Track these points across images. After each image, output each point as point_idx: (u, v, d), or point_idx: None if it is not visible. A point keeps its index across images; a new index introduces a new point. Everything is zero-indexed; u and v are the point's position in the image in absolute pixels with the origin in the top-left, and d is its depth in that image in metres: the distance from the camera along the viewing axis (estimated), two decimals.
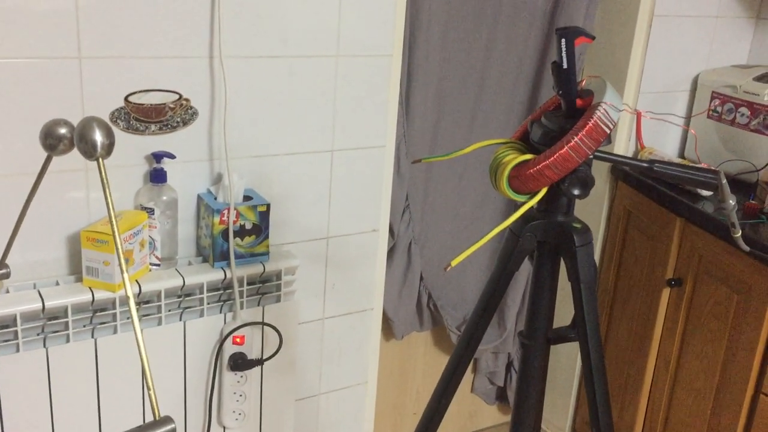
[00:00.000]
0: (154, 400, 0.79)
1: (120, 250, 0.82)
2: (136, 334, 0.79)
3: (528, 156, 1.01)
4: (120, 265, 0.81)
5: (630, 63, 2.01)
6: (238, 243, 1.54)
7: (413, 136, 1.90)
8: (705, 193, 1.83)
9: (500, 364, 2.25)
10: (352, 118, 1.69)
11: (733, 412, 1.71)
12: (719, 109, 2.01)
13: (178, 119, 1.50)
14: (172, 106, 1.48)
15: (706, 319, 1.79)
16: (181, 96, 1.49)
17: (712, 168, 1.01)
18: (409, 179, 1.92)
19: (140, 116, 1.46)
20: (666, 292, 1.91)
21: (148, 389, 0.79)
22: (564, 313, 1.29)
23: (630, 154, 2.09)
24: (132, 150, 1.47)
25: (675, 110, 2.12)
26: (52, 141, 0.85)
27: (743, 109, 1.94)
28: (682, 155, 2.16)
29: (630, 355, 2.05)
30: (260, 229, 1.56)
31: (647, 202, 1.96)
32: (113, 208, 0.82)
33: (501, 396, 2.36)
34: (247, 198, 1.57)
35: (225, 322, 1.55)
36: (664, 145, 2.12)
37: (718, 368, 1.76)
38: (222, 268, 1.53)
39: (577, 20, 1.94)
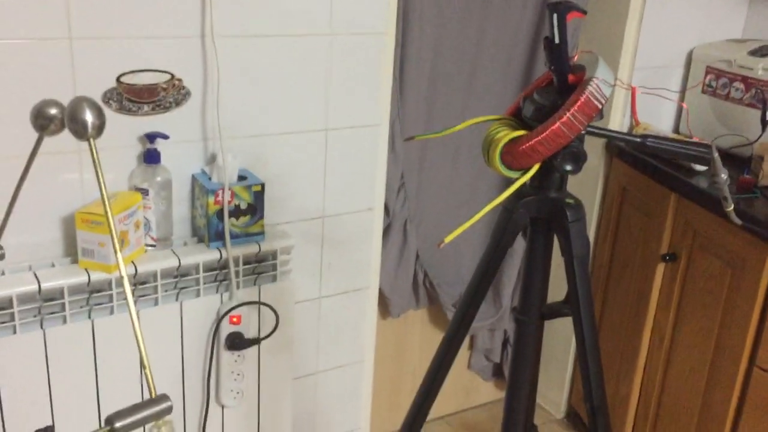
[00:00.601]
0: (150, 379, 0.79)
1: (114, 231, 0.82)
2: (131, 313, 0.80)
3: (520, 132, 1.01)
4: (114, 246, 0.81)
5: (624, 38, 2.00)
6: (234, 223, 1.54)
7: (407, 114, 1.90)
8: (699, 168, 1.84)
9: (496, 341, 2.26)
10: (346, 96, 1.69)
11: (727, 386, 1.73)
12: (714, 83, 2.01)
13: (171, 99, 1.49)
14: (164, 86, 1.48)
15: (700, 293, 1.80)
16: (173, 76, 1.48)
17: (705, 142, 1.01)
18: (403, 158, 1.92)
19: (133, 97, 1.45)
20: (660, 268, 1.92)
21: (144, 368, 0.80)
22: (558, 289, 1.30)
23: (625, 130, 2.09)
24: (125, 131, 1.47)
25: (669, 85, 2.11)
26: (43, 121, 0.85)
27: (737, 84, 1.93)
28: (677, 130, 2.16)
29: (625, 331, 2.07)
30: (255, 208, 1.56)
31: (642, 178, 1.96)
32: (106, 189, 0.82)
33: (497, 372, 2.38)
34: (241, 178, 1.57)
35: (221, 302, 1.56)
36: (659, 120, 2.12)
37: (712, 342, 1.77)
38: (218, 248, 1.53)
39: None
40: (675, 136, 2.05)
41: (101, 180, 0.82)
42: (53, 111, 0.85)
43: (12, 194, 0.93)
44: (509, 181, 1.98)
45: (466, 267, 2.16)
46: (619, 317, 2.09)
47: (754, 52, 1.94)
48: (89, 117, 0.81)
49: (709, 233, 1.75)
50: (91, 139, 0.82)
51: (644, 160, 1.94)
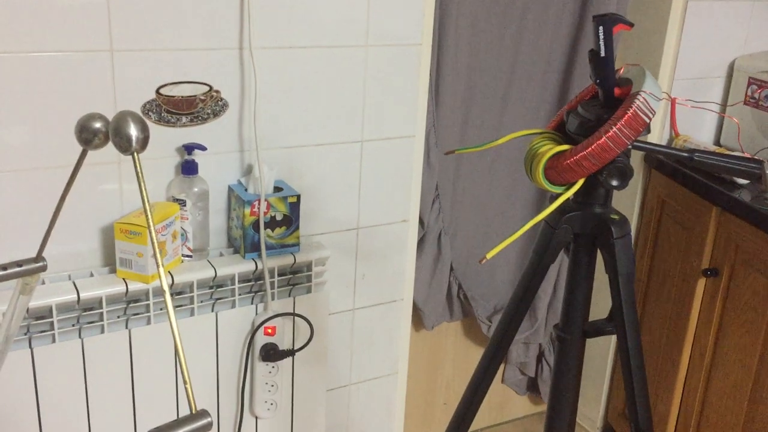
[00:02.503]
0: (190, 394, 0.79)
1: (155, 243, 0.82)
2: (172, 328, 0.79)
3: (564, 146, 0.99)
4: (156, 258, 0.81)
5: (664, 49, 1.97)
6: (269, 234, 1.54)
7: (442, 125, 1.89)
8: (742, 181, 1.79)
9: (531, 355, 2.23)
10: (381, 108, 1.68)
11: None
12: (756, 95, 1.96)
13: (209, 111, 1.50)
14: (202, 97, 1.48)
15: (743, 309, 1.76)
16: (211, 87, 1.49)
17: (755, 157, 0.98)
18: (438, 169, 1.90)
19: (171, 108, 1.46)
20: (702, 283, 1.87)
21: (185, 383, 0.79)
22: (595, 306, 1.28)
23: (664, 142, 2.05)
24: (163, 142, 1.48)
25: (710, 97, 2.07)
26: (87, 135, 0.85)
27: None
28: (717, 143, 2.12)
29: (664, 346, 2.03)
30: (291, 220, 1.56)
31: (682, 191, 1.92)
32: (148, 202, 0.82)
33: (532, 386, 2.34)
34: (277, 189, 1.57)
35: (256, 313, 1.55)
36: (699, 132, 2.08)
37: (755, 359, 1.73)
38: (253, 259, 1.53)
39: (609, 6, 1.90)
40: (716, 148, 2.01)
41: (144, 193, 0.82)
42: (98, 125, 0.85)
43: (55, 207, 0.94)
44: (545, 194, 1.95)
45: (501, 279, 2.13)
46: (657, 332, 2.05)
47: None
48: (134, 131, 0.81)
49: (752, 248, 1.71)
50: (135, 153, 0.82)
51: (684, 173, 1.90)
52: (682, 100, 1.02)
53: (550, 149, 0.99)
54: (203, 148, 1.50)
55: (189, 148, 1.49)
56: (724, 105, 2.07)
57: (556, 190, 1.00)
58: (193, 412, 0.77)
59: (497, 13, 1.87)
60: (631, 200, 2.11)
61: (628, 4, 1.96)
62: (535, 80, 1.98)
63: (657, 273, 2.05)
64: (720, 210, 1.80)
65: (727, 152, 1.34)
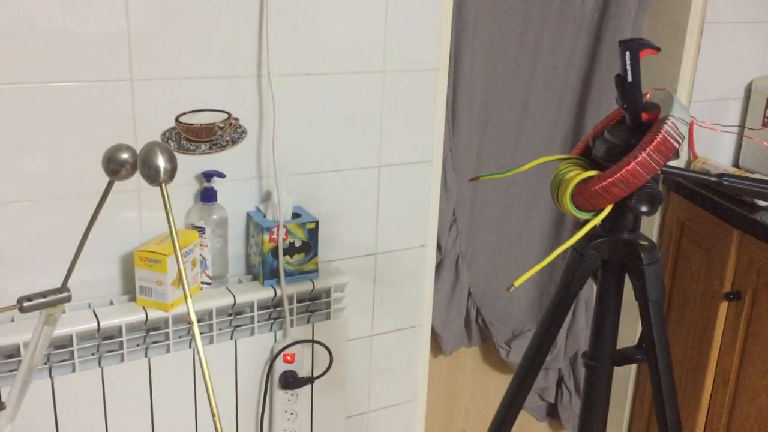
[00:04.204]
0: (219, 428, 0.78)
1: (183, 272, 0.81)
2: (200, 357, 0.78)
3: (592, 172, 0.98)
4: (183, 285, 0.81)
5: (681, 71, 1.96)
6: (288, 261, 1.53)
7: (459, 149, 1.88)
8: (763, 203, 1.78)
9: (551, 381, 2.20)
10: (398, 133, 1.68)
11: None
12: None
13: (228, 138, 1.50)
14: (221, 125, 1.49)
15: (767, 334, 1.73)
16: (230, 115, 1.49)
17: None
18: (456, 194, 1.90)
19: (191, 136, 1.46)
20: (724, 306, 1.85)
21: (213, 415, 0.78)
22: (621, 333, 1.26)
23: (683, 165, 2.04)
24: (183, 170, 1.47)
25: (728, 118, 2.06)
26: (115, 166, 0.85)
27: None
28: (736, 164, 2.10)
29: (686, 371, 2.00)
30: (309, 246, 1.55)
31: (702, 213, 1.90)
32: (176, 232, 0.82)
33: (551, 413, 2.31)
34: (295, 215, 1.56)
35: (275, 341, 1.54)
36: (717, 154, 2.07)
37: None
38: (272, 286, 1.52)
39: (624, 29, 1.90)
40: (737, 171, 2.00)
41: (172, 223, 0.81)
42: (125, 156, 0.85)
43: (81, 237, 0.93)
44: (563, 218, 1.93)
45: (519, 304, 2.12)
46: (680, 357, 2.02)
47: None
48: (162, 162, 0.81)
49: None
50: (164, 184, 0.82)
51: (703, 195, 1.89)
52: (709, 123, 1.01)
53: (577, 175, 0.98)
54: (222, 176, 1.50)
55: (208, 176, 1.49)
56: (742, 126, 2.06)
57: (584, 216, 0.99)
58: None
59: (512, 37, 1.87)
60: (650, 222, 2.09)
61: (642, 27, 1.96)
62: (551, 104, 1.98)
63: (677, 297, 2.03)
64: (741, 232, 1.78)
65: (749, 174, 1.33)
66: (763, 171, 1.97)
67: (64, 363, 1.35)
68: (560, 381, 2.22)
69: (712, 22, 1.95)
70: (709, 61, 1.98)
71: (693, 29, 1.94)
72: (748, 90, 2.05)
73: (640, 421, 2.21)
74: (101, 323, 1.35)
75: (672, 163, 1.00)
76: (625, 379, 2.22)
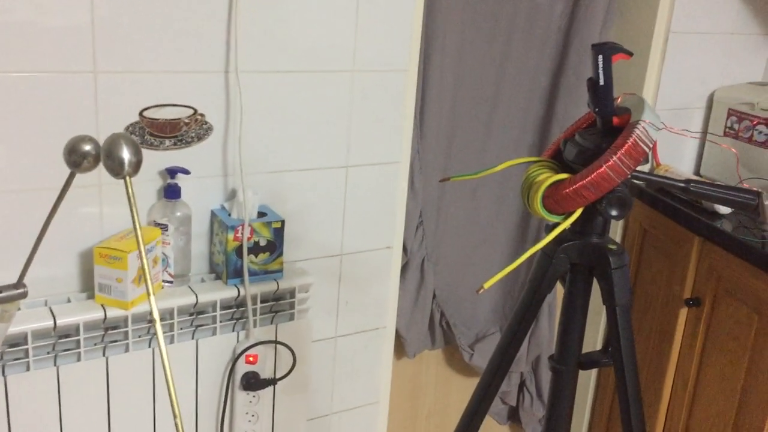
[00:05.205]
0: (180, 429, 0.75)
1: (148, 271, 0.79)
2: (163, 360, 0.76)
3: (563, 175, 0.98)
4: (147, 288, 0.78)
5: (645, 80, 1.99)
6: (252, 260, 1.51)
7: (427, 151, 1.88)
8: (723, 210, 1.81)
9: (513, 384, 2.21)
10: (366, 133, 1.67)
11: None
12: (736, 126, 1.99)
13: (193, 134, 1.47)
14: (186, 121, 1.46)
15: (725, 339, 1.76)
16: (196, 111, 1.46)
17: (752, 188, 0.99)
18: (422, 195, 1.89)
19: (155, 131, 1.43)
20: (684, 312, 1.88)
21: (175, 417, 0.76)
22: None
23: (646, 171, 2.07)
24: (146, 165, 1.44)
25: (691, 127, 2.10)
26: (77, 158, 0.82)
27: (761, 127, 1.92)
28: (698, 173, 2.14)
29: (646, 374, 2.02)
30: (274, 245, 1.53)
31: (663, 220, 1.93)
32: (139, 227, 0.79)
33: (513, 416, 2.32)
34: (261, 214, 1.54)
35: (238, 341, 1.52)
36: (680, 162, 2.10)
37: (738, 389, 1.73)
38: (235, 286, 1.49)
39: (592, 37, 1.92)
40: (697, 178, 2.03)
41: (136, 218, 0.79)
42: (87, 147, 0.82)
43: (39, 232, 0.90)
44: (529, 220, 1.94)
45: (483, 307, 2.12)
46: (640, 361, 2.04)
47: None
48: (126, 154, 0.78)
49: (734, 278, 1.72)
50: (128, 177, 0.79)
51: (665, 202, 1.91)
52: (678, 129, 1.03)
53: (548, 177, 0.98)
54: (187, 172, 1.47)
55: (172, 172, 1.45)
56: (707, 133, 2.09)
57: (554, 219, 0.99)
58: None
59: (482, 41, 1.87)
60: (613, 227, 2.12)
61: (609, 36, 1.99)
62: (519, 107, 1.98)
63: (639, 301, 2.05)
64: (702, 240, 1.81)
65: (705, 180, 1.35)
66: (725, 179, 2.00)
67: (18, 361, 1.31)
68: (522, 385, 2.23)
69: (677, 32, 1.98)
70: (673, 70, 2.01)
71: (658, 38, 1.97)
72: (710, 100, 2.09)
73: (600, 423, 2.23)
74: (58, 321, 1.31)
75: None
76: (584, 384, 2.24)
